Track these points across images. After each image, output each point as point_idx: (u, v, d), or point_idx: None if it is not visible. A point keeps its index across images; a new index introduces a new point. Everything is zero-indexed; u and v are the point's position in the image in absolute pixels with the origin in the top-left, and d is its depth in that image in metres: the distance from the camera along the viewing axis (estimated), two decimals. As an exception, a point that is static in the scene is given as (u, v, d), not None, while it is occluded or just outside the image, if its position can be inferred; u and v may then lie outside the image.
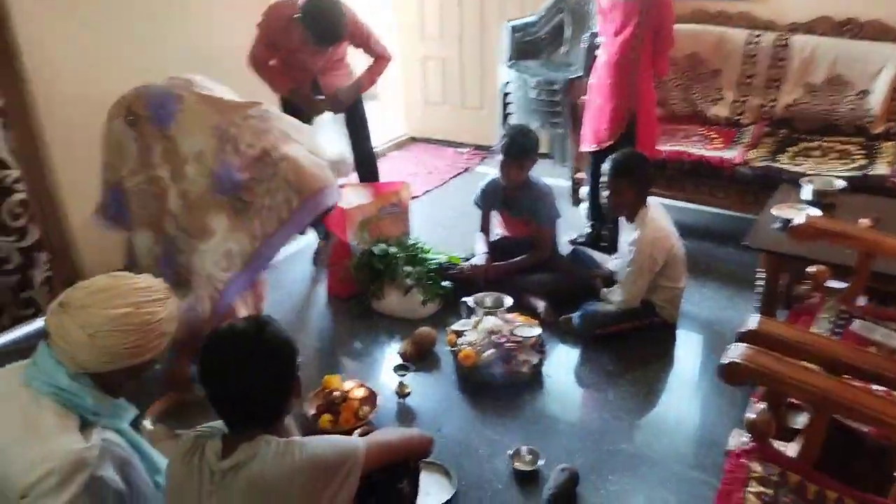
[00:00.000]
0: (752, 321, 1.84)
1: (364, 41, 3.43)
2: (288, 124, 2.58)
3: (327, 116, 3.37)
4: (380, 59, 3.51)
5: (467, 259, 3.35)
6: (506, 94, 4.48)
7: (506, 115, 4.50)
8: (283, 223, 2.43)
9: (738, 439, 1.87)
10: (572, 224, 3.78)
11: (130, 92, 2.43)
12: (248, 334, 1.50)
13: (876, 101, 3.64)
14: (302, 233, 3.61)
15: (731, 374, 1.65)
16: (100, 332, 1.55)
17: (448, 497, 2.16)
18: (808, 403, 1.66)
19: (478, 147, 5.24)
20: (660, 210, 2.99)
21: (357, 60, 3.60)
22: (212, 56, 3.50)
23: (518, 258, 3.28)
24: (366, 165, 3.67)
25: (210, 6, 3.60)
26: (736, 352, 1.66)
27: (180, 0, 3.46)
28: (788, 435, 1.79)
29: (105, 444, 1.57)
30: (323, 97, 3.43)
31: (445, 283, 3.23)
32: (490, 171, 4.50)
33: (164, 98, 2.40)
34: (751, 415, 1.72)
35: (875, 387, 1.76)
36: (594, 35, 3.76)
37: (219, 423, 1.55)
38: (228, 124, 2.39)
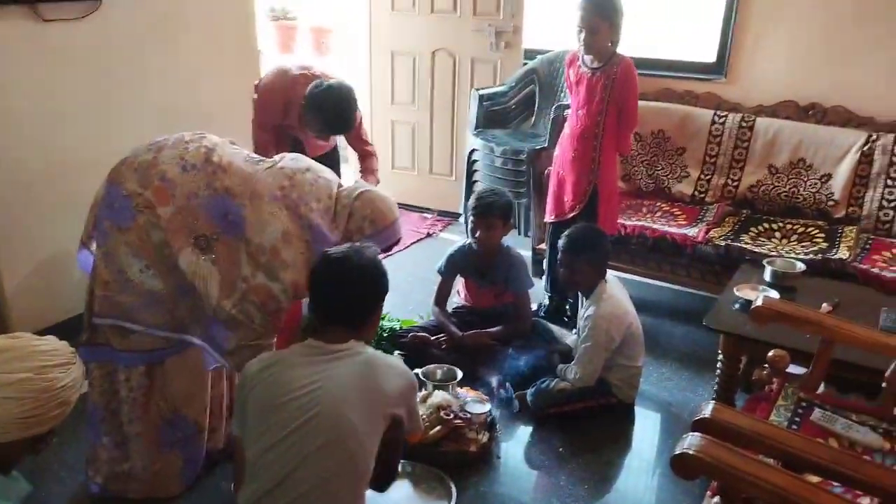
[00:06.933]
0: (707, 408, 1.74)
1: (359, 130, 3.43)
2: (319, 166, 2.36)
3: None
4: (372, 156, 3.57)
5: (423, 328, 3.23)
6: (472, 163, 4.46)
7: (471, 183, 4.46)
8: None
9: (691, 536, 1.77)
10: (534, 296, 3.70)
11: (172, 215, 2.08)
12: (350, 256, 1.87)
13: (838, 185, 3.66)
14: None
15: (683, 467, 1.54)
16: None
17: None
18: (764, 501, 1.55)
19: (443, 213, 5.18)
20: (618, 285, 2.92)
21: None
22: (178, 112, 3.41)
23: (498, 328, 3.16)
24: None
25: (174, 63, 3.50)
26: (689, 442, 1.55)
27: (142, 57, 3.34)
28: (744, 533, 1.67)
29: None
30: None
31: (397, 353, 3.10)
32: (455, 237, 4.45)
33: (217, 203, 2.12)
34: (704, 510, 1.62)
35: (834, 484, 1.66)
36: (561, 107, 3.77)
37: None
38: (283, 190, 2.17)
